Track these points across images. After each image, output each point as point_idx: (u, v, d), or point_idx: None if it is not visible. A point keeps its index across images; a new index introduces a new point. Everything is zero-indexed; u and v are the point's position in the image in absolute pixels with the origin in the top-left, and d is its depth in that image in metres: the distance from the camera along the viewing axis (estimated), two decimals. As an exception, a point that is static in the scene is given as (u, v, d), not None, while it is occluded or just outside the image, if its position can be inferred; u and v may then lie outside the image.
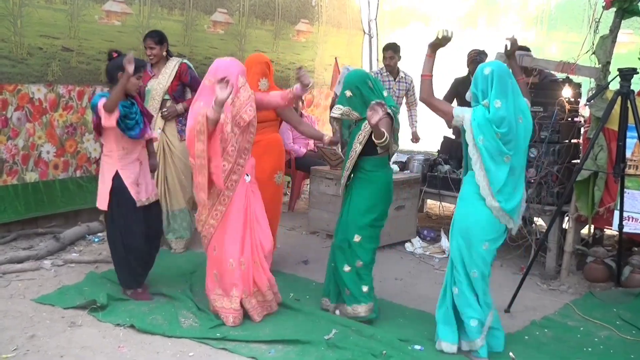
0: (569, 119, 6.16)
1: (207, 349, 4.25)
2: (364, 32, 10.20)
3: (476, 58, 7.20)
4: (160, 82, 6.05)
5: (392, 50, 7.57)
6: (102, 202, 4.84)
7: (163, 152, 6.07)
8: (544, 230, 5.82)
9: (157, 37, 6.05)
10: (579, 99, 6.32)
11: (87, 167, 6.73)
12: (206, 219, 4.59)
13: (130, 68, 4.48)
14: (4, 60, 5.92)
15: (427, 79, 4.24)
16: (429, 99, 4.24)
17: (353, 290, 4.68)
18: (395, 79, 7.63)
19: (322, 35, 9.37)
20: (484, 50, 7.32)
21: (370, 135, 4.49)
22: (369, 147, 4.56)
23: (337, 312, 4.80)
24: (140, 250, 4.90)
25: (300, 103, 8.26)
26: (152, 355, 4.14)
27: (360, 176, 4.66)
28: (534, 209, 6.10)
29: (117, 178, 4.75)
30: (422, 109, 7.39)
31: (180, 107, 6.07)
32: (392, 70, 7.63)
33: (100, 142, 5.07)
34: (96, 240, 6.41)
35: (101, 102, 4.58)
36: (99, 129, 4.77)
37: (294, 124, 5.59)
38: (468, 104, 4.32)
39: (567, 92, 6.14)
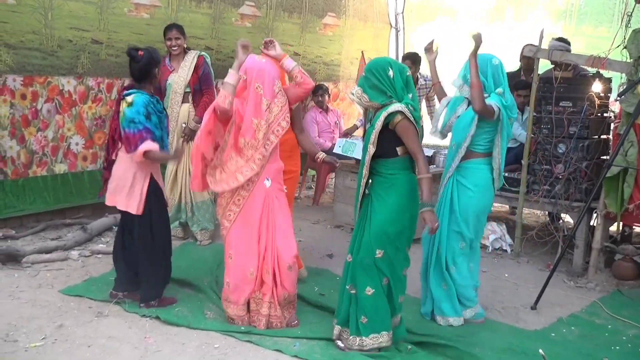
0: (599, 115, 6.06)
1: (232, 341, 4.25)
2: (391, 26, 10.13)
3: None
4: (180, 76, 6.04)
5: (409, 60, 7.34)
6: (138, 206, 4.51)
7: (187, 145, 6.08)
8: (572, 227, 5.74)
9: (182, 28, 6.08)
10: (609, 94, 6.21)
11: (115, 159, 6.76)
12: (221, 219, 4.48)
13: (181, 156, 4.72)
14: (34, 52, 5.96)
15: (478, 87, 4.38)
16: (484, 106, 4.39)
17: (372, 317, 4.06)
18: (415, 87, 7.57)
19: (349, 29, 9.32)
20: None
21: (384, 133, 3.94)
22: (388, 148, 3.98)
23: (340, 343, 4.19)
24: (169, 250, 4.80)
25: (326, 97, 8.24)
26: (177, 346, 4.15)
27: (380, 180, 4.03)
28: (561, 205, 6.02)
29: (151, 181, 4.58)
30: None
31: (193, 124, 6.01)
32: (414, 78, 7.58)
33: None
34: (123, 231, 6.44)
35: (145, 147, 4.34)
36: (118, 131, 4.57)
37: (295, 129, 4.94)
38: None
39: (597, 87, 6.03)
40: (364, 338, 4.05)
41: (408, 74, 4.02)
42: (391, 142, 3.97)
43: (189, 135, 6.02)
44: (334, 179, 7.82)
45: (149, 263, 4.64)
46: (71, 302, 4.72)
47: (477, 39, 4.40)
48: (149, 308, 4.62)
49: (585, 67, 6.17)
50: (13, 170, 5.98)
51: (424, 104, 7.82)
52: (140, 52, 4.52)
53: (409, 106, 3.92)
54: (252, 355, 4.10)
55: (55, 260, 5.52)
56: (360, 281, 4.03)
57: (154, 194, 4.60)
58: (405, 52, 7.87)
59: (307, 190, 9.07)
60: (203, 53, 6.20)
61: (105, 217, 6.50)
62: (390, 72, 3.93)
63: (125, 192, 4.53)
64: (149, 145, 4.35)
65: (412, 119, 3.90)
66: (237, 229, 4.39)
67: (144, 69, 4.53)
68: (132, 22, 6.61)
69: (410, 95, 3.98)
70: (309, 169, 8.58)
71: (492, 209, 4.97)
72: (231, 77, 4.20)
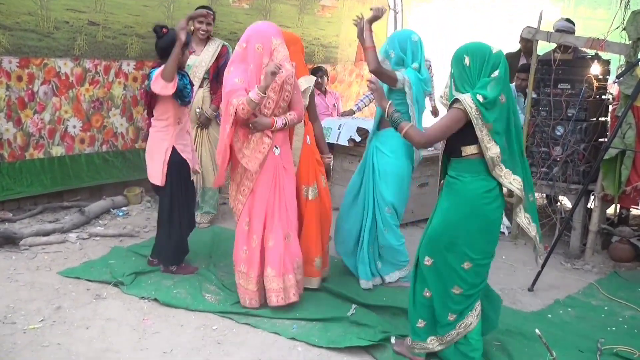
0: (597, 97, 6.04)
1: (230, 323, 4.26)
2: (389, 8, 10.06)
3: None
4: (203, 60, 6.02)
5: None
6: (158, 177, 4.77)
7: (200, 130, 6.06)
8: (569, 209, 5.75)
9: (214, 14, 6.07)
10: (607, 76, 6.19)
11: (113, 142, 6.74)
12: (235, 195, 4.47)
13: (184, 35, 4.52)
14: (30, 34, 5.92)
15: (372, 50, 4.63)
16: (378, 68, 4.61)
17: (412, 322, 3.87)
18: None
19: (347, 11, 9.25)
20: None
21: (455, 133, 3.54)
22: (453, 145, 3.62)
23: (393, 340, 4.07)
24: (192, 218, 5.08)
25: (325, 79, 8.20)
26: (176, 328, 4.16)
27: (447, 180, 3.69)
28: (559, 188, 6.01)
29: (173, 153, 4.76)
30: (438, 84, 7.34)
31: (210, 111, 6.06)
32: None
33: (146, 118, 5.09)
34: (121, 214, 6.44)
35: (157, 72, 4.55)
36: (151, 105, 4.80)
37: (311, 118, 4.92)
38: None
39: (595, 69, 6.01)
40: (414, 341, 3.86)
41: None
42: (456, 138, 3.56)
43: (204, 122, 6.03)
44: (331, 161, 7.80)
45: (166, 231, 4.89)
46: (69, 285, 4.72)
47: (376, 11, 4.68)
48: (167, 273, 4.94)
49: (584, 49, 6.14)
50: (10, 152, 5.96)
51: None
52: (164, 30, 4.69)
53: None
54: (250, 337, 4.10)
55: (53, 242, 5.51)
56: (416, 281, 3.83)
57: (175, 166, 4.78)
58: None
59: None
60: (227, 43, 6.16)
61: (102, 200, 6.50)
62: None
63: (150, 164, 4.85)
64: (157, 71, 4.54)
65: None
66: (252, 200, 4.39)
67: (167, 47, 4.63)
68: (129, 4, 6.56)
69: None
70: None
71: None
72: (255, 95, 4.13)
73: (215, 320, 4.30)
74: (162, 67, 4.54)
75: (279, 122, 4.33)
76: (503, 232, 6.46)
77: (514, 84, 6.89)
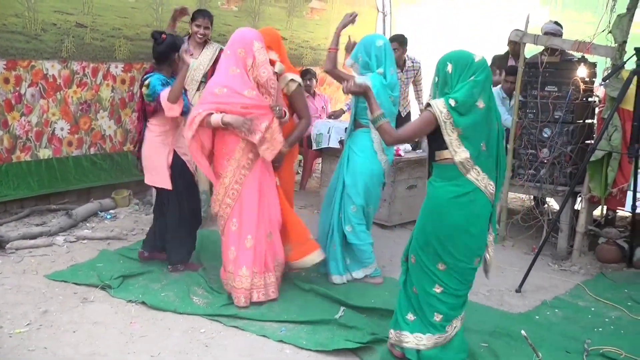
0: (584, 99, 6.07)
1: (219, 326, 4.25)
2: (378, 10, 10.07)
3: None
4: (201, 64, 6.01)
5: (397, 42, 7.43)
6: (165, 181, 4.86)
7: None
8: (556, 211, 5.77)
9: (211, 18, 6.05)
10: (594, 79, 6.22)
11: (101, 144, 6.71)
12: (222, 198, 4.53)
13: (189, 60, 4.66)
14: (17, 36, 5.88)
15: (332, 52, 5.07)
16: (331, 70, 5.03)
17: (395, 318, 3.94)
18: (402, 70, 7.58)
19: (336, 13, 9.23)
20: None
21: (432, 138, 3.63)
22: (430, 150, 3.69)
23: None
24: (199, 215, 5.18)
25: (313, 81, 8.21)
26: (163, 331, 4.14)
27: (427, 186, 3.76)
28: (546, 189, 6.04)
29: (175, 156, 4.86)
30: (427, 85, 7.36)
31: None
32: (398, 62, 7.57)
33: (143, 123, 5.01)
34: (108, 217, 6.42)
35: (164, 95, 4.61)
36: (147, 113, 4.85)
37: (299, 116, 5.05)
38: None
39: (582, 72, 6.04)
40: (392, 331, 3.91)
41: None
42: (432, 143, 3.64)
43: None
44: (320, 164, 7.80)
45: (177, 232, 4.98)
46: (56, 288, 4.69)
47: (347, 18, 5.10)
48: (175, 271, 5.01)
49: (571, 52, 6.17)
50: (-4, 155, 5.93)
51: (411, 88, 7.82)
52: (163, 36, 4.80)
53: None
54: (238, 340, 4.10)
55: (40, 246, 5.48)
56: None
57: (177, 168, 4.88)
58: (392, 35, 7.85)
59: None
60: (224, 47, 6.07)
61: (90, 203, 6.47)
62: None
63: (152, 169, 4.91)
64: (164, 92, 4.62)
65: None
66: (240, 203, 4.51)
67: (164, 53, 4.78)
68: (117, 6, 6.53)
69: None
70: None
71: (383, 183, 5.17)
72: (216, 121, 4.36)
73: (203, 323, 4.29)
74: (168, 89, 4.61)
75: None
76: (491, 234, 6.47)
77: (499, 86, 6.93)
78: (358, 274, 5.14)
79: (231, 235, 4.55)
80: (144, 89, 4.75)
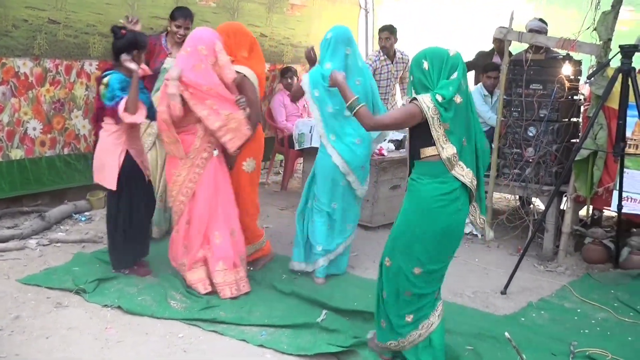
0: (569, 97, 6.12)
1: (197, 331, 4.23)
2: (360, 7, 10.09)
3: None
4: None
5: (388, 32, 7.57)
6: (112, 181, 4.74)
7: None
8: (542, 211, 5.81)
9: (192, 17, 5.88)
10: (579, 77, 6.27)
11: (75, 144, 6.65)
12: (176, 196, 4.74)
13: (134, 66, 4.62)
14: (-13, 32, 5.83)
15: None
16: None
17: (377, 322, 3.93)
18: (392, 61, 7.63)
19: (317, 10, 9.26)
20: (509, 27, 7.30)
21: (414, 129, 3.66)
22: (413, 148, 3.71)
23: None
24: (145, 224, 5.06)
25: (295, 79, 8.21)
26: (140, 337, 4.11)
27: (408, 184, 3.77)
28: (531, 189, 6.08)
29: (127, 157, 4.77)
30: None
31: None
32: (389, 52, 7.64)
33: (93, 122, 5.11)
34: (83, 219, 6.36)
35: (122, 106, 4.55)
36: (102, 115, 4.79)
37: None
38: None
39: (567, 70, 6.09)
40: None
41: None
42: (416, 140, 3.67)
43: None
44: (302, 164, 7.80)
45: (114, 234, 4.90)
46: (28, 293, 4.65)
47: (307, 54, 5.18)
48: (120, 273, 4.95)
49: (556, 49, 6.21)
50: (-34, 156, 5.86)
51: (397, 88, 7.85)
52: (122, 31, 4.74)
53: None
54: (217, 344, 4.08)
55: (12, 249, 5.42)
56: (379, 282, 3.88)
57: (128, 170, 4.77)
58: (382, 25, 7.88)
59: (274, 175, 9.04)
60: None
61: (64, 205, 6.41)
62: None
63: (101, 167, 4.82)
64: (122, 104, 4.56)
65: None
66: (195, 201, 4.72)
67: (123, 49, 4.70)
68: (91, 1, 6.48)
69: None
70: (277, 154, 8.55)
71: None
72: (174, 87, 4.52)
73: (181, 328, 4.26)
74: (125, 100, 4.56)
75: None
76: (476, 235, 6.51)
77: (479, 84, 6.99)
78: (309, 266, 5.24)
79: (184, 232, 4.76)
80: (102, 87, 4.66)
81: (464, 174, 3.59)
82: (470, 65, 7.74)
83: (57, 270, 5.04)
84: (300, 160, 8.13)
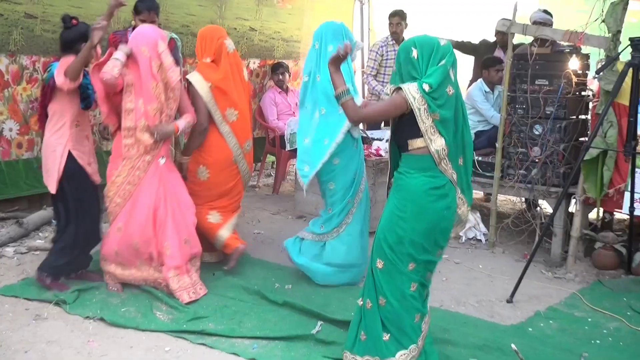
0: (576, 93, 6.12)
1: (185, 344, 4.22)
2: (354, -1, 10.11)
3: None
4: None
5: (399, 17, 7.75)
6: (52, 184, 4.76)
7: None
8: (549, 214, 5.81)
9: (158, 9, 5.65)
10: (587, 71, 6.27)
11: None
12: (113, 197, 4.79)
13: (97, 38, 4.52)
14: (-41, 28, 5.81)
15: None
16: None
17: (369, 335, 3.81)
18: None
19: (310, 2, 9.26)
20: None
21: (401, 119, 3.70)
22: (400, 139, 3.73)
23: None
24: (88, 234, 4.96)
25: (286, 75, 8.21)
26: (124, 350, 4.11)
27: (394, 178, 3.82)
28: (538, 191, 6.08)
29: (70, 159, 4.75)
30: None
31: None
32: (398, 38, 7.76)
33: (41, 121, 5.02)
34: (63, 225, 6.34)
35: (60, 68, 4.55)
36: (45, 103, 4.80)
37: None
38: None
39: (574, 64, 6.09)
40: (357, 357, 3.83)
41: None
42: (403, 131, 3.70)
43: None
44: (294, 166, 7.79)
45: (61, 242, 4.89)
46: (5, 304, 4.63)
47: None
48: (41, 282, 4.85)
49: (562, 43, 6.22)
50: (-62, 159, 5.84)
51: None
52: (74, 21, 4.76)
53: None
54: (206, 358, 4.07)
55: (-13, 258, 5.41)
56: (364, 290, 3.85)
57: (71, 173, 4.76)
58: (392, 10, 7.96)
59: (266, 178, 9.04)
60: (174, 36, 5.80)
61: (43, 210, 6.39)
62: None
63: (45, 169, 4.83)
64: (61, 63, 4.59)
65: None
66: (132, 205, 4.77)
67: (71, 40, 4.71)
68: (69, -6, 6.47)
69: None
70: (268, 155, 8.54)
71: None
72: (121, 55, 4.60)
73: (168, 340, 4.25)
74: (68, 63, 4.57)
75: (181, 125, 4.88)
76: (480, 240, 6.52)
77: (480, 80, 7.01)
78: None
79: (113, 238, 4.81)
80: (45, 75, 4.77)
81: (447, 167, 3.65)
82: (470, 49, 7.83)
83: (35, 280, 5.00)
84: (293, 161, 8.12)
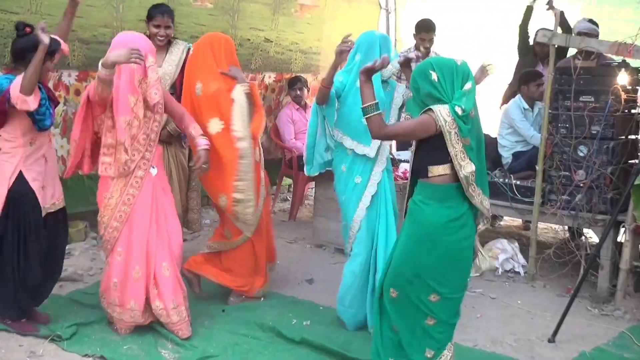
0: (625, 111, 6.10)
1: (193, 385, 4.24)
2: (380, 7, 10.16)
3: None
4: (166, 73, 5.80)
5: (433, 32, 7.61)
6: None
7: (165, 149, 5.92)
8: (595, 244, 5.77)
9: (173, 14, 5.84)
10: (637, 87, 6.26)
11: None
12: (108, 222, 4.70)
13: (47, 38, 4.38)
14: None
15: (326, 90, 4.97)
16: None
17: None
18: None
19: (330, 11, 9.31)
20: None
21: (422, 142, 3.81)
22: (420, 164, 3.83)
23: None
24: (36, 276, 4.74)
25: (305, 91, 8.26)
26: (126, 393, 4.12)
27: (409, 206, 3.89)
28: (583, 219, 6.05)
29: (19, 180, 4.60)
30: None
31: (173, 126, 5.86)
32: (428, 54, 7.70)
33: None
34: (60, 253, 6.38)
35: (15, 84, 4.41)
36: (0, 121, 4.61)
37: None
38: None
39: (622, 79, 6.08)
40: None
41: None
42: (424, 156, 3.80)
43: (165, 138, 5.81)
44: (313, 189, 7.81)
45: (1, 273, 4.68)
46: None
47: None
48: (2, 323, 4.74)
49: (610, 56, 6.22)
50: None
51: None
52: (27, 29, 4.59)
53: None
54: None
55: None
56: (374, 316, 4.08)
57: (18, 195, 4.60)
58: (423, 23, 7.87)
59: (282, 202, 9.06)
60: (192, 46, 5.85)
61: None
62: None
63: None
64: (16, 82, 4.40)
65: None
66: (129, 227, 4.70)
67: (22, 50, 4.56)
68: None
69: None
70: (284, 177, 8.56)
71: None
72: (102, 72, 4.43)
73: (174, 381, 4.27)
74: (21, 76, 4.43)
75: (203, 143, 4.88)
76: (518, 272, 6.49)
77: (518, 96, 7.00)
78: None
79: (114, 266, 4.73)
80: None
81: (475, 194, 3.72)
82: (522, 48, 7.82)
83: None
84: (312, 185, 8.14)
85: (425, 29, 7.70)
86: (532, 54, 7.72)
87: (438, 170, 3.69)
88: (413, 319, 3.81)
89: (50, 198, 4.79)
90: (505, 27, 9.03)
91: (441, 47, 7.37)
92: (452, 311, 3.85)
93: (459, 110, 3.59)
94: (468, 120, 3.63)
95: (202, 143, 4.83)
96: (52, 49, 4.56)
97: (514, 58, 8.04)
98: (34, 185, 4.65)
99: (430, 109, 3.63)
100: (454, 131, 3.59)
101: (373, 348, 4.02)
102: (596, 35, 6.42)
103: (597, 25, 6.67)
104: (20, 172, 4.61)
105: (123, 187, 4.66)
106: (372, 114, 3.73)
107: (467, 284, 3.96)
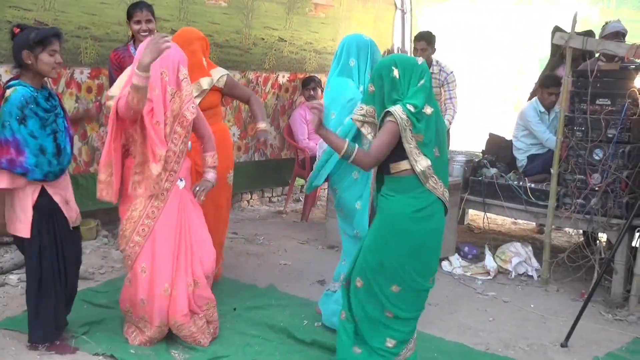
0: (643, 115, 6.11)
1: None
2: (396, 7, 10.15)
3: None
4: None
5: (425, 42, 7.61)
6: (24, 227, 4.35)
7: None
8: (610, 249, 5.77)
9: (152, 8, 5.87)
10: (655, 90, 6.26)
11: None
12: (130, 235, 4.56)
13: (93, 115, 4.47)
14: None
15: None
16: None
17: (339, 355, 4.25)
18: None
19: (345, 10, 9.32)
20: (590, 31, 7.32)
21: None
22: (382, 163, 3.98)
23: None
24: (73, 285, 4.70)
25: (318, 90, 8.28)
26: (136, 392, 4.15)
27: (378, 201, 4.10)
28: (597, 223, 6.04)
29: (43, 195, 4.38)
30: (461, 103, 7.50)
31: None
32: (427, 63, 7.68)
33: None
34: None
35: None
36: None
37: (244, 100, 5.80)
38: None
39: (640, 82, 6.09)
40: None
41: None
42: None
43: None
44: (326, 190, 7.83)
45: (36, 297, 4.47)
46: (8, 338, 4.69)
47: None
48: (34, 350, 4.50)
49: (631, 58, 6.21)
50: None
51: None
52: (15, 29, 4.35)
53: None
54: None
55: (-11, 286, 5.48)
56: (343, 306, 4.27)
57: (44, 212, 4.39)
58: (418, 32, 7.94)
59: (294, 203, 9.08)
60: (229, 72, 5.86)
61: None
62: (396, 72, 3.89)
63: (11, 210, 4.42)
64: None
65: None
66: (153, 242, 4.57)
67: (15, 55, 4.31)
68: (83, 1, 6.58)
69: None
70: (297, 178, 8.59)
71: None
72: (137, 79, 4.19)
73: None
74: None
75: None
76: (531, 276, 6.49)
77: (534, 99, 7.01)
78: None
79: (140, 283, 4.58)
80: (3, 102, 4.26)
81: (437, 186, 3.89)
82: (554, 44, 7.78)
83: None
84: (325, 185, 8.16)
85: (417, 37, 7.86)
86: (559, 55, 7.69)
87: (399, 167, 3.90)
88: (373, 309, 4.02)
89: (75, 213, 4.64)
90: (506, 28, 9.04)
91: (457, 51, 7.35)
92: (413, 304, 4.05)
93: (411, 108, 3.78)
94: (422, 117, 3.81)
95: (210, 177, 4.85)
96: (49, 35, 4.32)
97: (514, 58, 8.02)
98: (57, 199, 4.44)
99: (389, 112, 3.80)
100: (408, 128, 3.77)
101: (337, 338, 4.24)
102: (625, 34, 6.42)
103: (592, 33, 6.68)
104: (43, 187, 4.37)
105: (147, 198, 4.54)
106: (352, 156, 3.90)
107: (434, 277, 4.09)
